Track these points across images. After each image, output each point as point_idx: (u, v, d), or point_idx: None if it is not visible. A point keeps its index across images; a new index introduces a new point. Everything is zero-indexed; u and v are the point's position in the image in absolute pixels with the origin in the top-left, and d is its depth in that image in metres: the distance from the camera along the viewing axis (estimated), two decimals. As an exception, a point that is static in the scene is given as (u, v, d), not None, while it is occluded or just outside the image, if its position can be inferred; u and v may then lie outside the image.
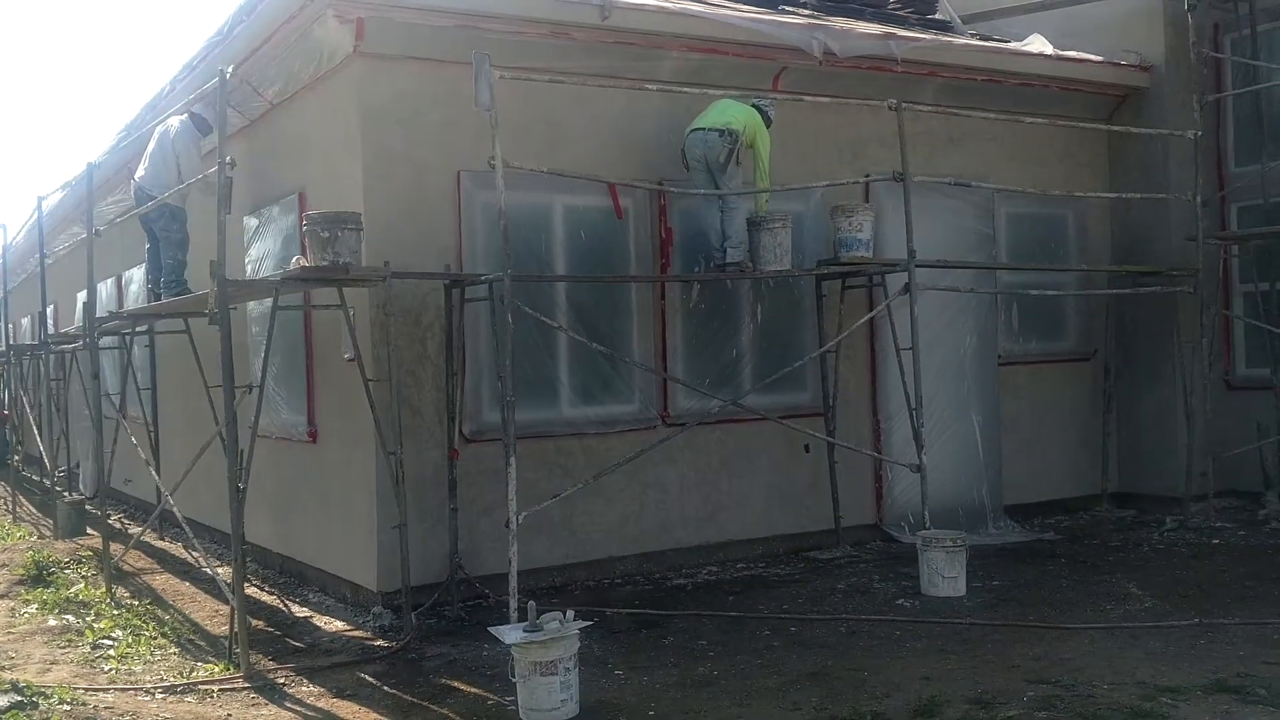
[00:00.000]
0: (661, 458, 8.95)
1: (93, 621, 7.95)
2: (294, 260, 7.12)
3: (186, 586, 9.40)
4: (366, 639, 7.47)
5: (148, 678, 6.65)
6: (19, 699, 5.68)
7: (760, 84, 9.49)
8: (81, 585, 9.19)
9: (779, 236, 8.80)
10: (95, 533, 11.23)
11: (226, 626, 8.10)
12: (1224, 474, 11.12)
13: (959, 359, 10.59)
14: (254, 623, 8.00)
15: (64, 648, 7.29)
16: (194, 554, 10.41)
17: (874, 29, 10.03)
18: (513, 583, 7.04)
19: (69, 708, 5.73)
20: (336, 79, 8.36)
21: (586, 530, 8.84)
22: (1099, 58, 11.27)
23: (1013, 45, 11.07)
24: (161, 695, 6.29)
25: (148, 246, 9.53)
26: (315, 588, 9.11)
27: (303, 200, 8.93)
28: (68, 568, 9.91)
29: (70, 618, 8.12)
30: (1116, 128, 11.12)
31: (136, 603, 8.66)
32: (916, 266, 9.02)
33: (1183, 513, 10.58)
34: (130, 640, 7.43)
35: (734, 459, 9.49)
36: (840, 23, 10.00)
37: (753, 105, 8.91)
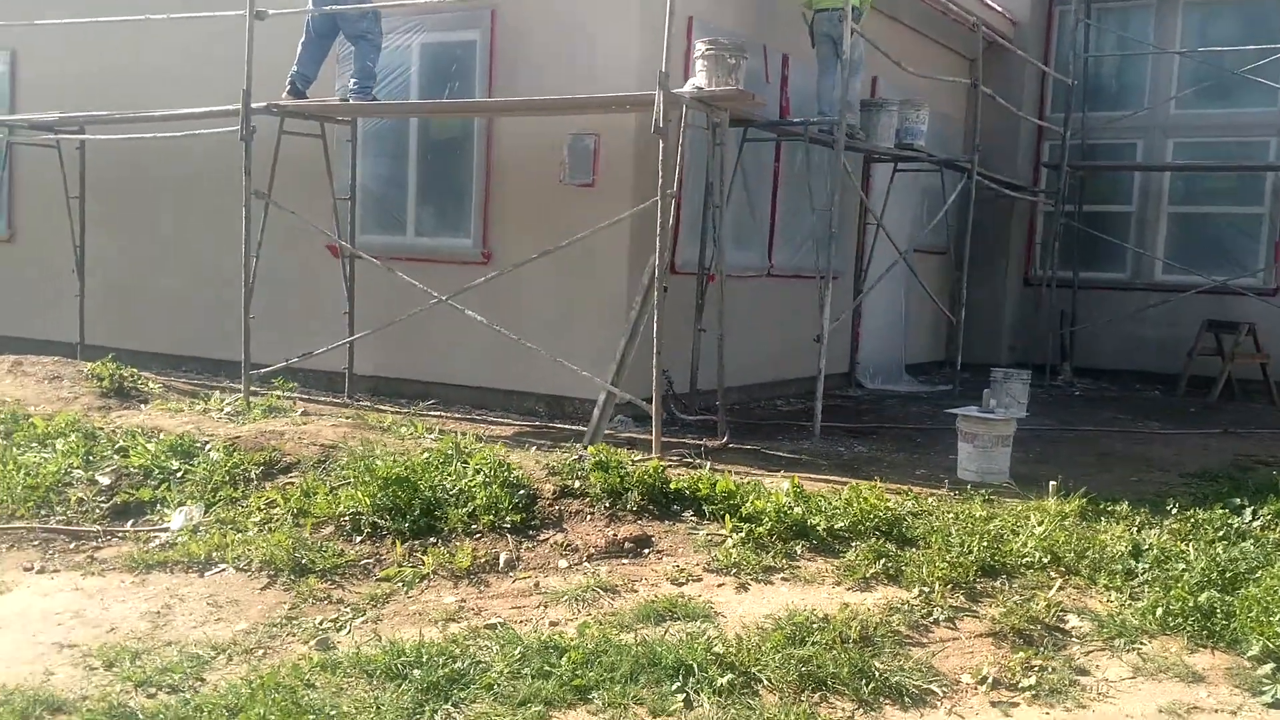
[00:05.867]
0: (768, 302, 10.27)
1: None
2: (689, 81, 7.48)
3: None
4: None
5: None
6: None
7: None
8: (218, 397, 8.48)
9: (894, 119, 10.38)
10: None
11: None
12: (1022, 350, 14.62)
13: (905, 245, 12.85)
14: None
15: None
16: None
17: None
18: (819, 388, 8.24)
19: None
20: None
21: (731, 361, 9.85)
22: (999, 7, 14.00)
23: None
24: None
25: (305, 39, 8.75)
26: (497, 410, 9.26)
27: (494, 18, 8.96)
28: (137, 383, 8.91)
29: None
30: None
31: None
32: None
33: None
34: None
35: (788, 311, 10.89)
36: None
37: None
